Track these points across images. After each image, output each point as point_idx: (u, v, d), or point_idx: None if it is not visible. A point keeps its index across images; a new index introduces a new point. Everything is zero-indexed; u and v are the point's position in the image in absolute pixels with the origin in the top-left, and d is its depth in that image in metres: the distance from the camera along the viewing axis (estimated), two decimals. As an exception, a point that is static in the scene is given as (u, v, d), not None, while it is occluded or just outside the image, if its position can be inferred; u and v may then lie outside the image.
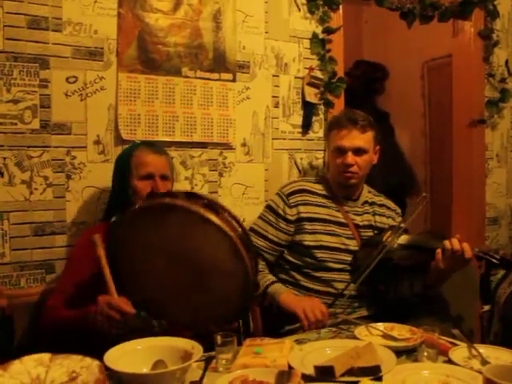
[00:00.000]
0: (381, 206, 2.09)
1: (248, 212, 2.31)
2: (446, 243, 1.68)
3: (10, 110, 1.86)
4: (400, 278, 1.93)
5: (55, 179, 1.94)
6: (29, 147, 1.89)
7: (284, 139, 2.42)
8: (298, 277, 1.95)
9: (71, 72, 1.95)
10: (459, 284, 1.86)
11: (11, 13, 1.84)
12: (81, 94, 1.97)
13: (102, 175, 1.98)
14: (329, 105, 2.47)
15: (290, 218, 1.96)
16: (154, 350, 1.25)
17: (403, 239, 1.83)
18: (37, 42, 1.89)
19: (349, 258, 1.94)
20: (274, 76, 2.38)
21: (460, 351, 1.35)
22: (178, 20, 2.13)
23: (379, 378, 1.17)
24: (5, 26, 1.83)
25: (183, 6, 2.14)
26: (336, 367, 1.18)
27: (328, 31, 2.45)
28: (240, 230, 1.41)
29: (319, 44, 2.45)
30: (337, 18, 2.48)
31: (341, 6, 2.48)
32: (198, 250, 1.38)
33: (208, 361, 1.29)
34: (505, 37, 3.04)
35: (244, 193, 2.33)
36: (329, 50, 2.45)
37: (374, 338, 1.45)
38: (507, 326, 1.83)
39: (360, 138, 1.92)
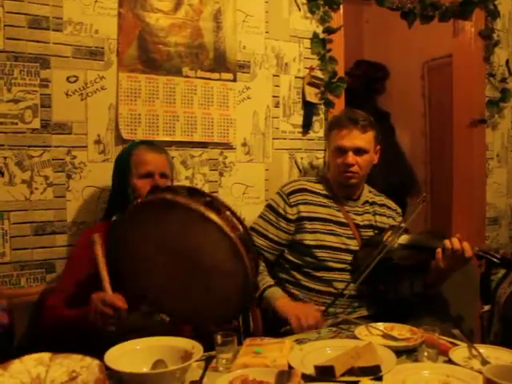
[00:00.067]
0: (381, 205, 2.09)
1: (248, 212, 2.30)
2: (446, 242, 1.68)
3: (11, 110, 1.86)
4: (400, 278, 1.93)
5: (56, 179, 1.94)
6: (29, 147, 1.90)
7: (284, 139, 2.42)
8: (299, 276, 1.95)
9: (72, 72, 1.95)
10: (459, 284, 1.86)
11: (12, 12, 1.84)
12: (81, 94, 1.97)
13: (102, 175, 1.98)
14: (329, 105, 2.47)
15: (291, 217, 1.96)
16: (154, 349, 1.25)
17: (403, 239, 1.83)
18: (37, 41, 1.89)
19: (349, 257, 1.94)
20: (274, 76, 2.38)
21: (460, 351, 1.35)
22: (178, 20, 2.13)
23: (379, 378, 1.17)
24: (5, 25, 1.83)
25: (184, 6, 2.14)
26: (336, 367, 1.18)
27: (328, 31, 2.45)
28: (241, 229, 1.40)
29: (320, 44, 2.44)
30: (337, 18, 2.48)
31: (341, 6, 2.47)
32: (198, 249, 1.38)
33: (208, 360, 1.29)
34: (505, 36, 3.04)
35: (244, 192, 2.33)
36: (329, 50, 2.45)
37: (374, 338, 1.45)
38: (507, 325, 1.83)
39: (361, 138, 1.92)
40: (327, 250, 1.93)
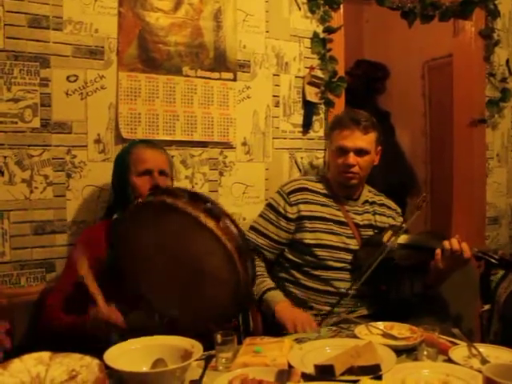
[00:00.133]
0: (381, 205, 2.09)
1: (248, 211, 2.31)
2: (445, 243, 1.68)
3: (11, 109, 1.86)
4: (400, 278, 1.93)
5: (55, 178, 1.94)
6: (29, 146, 1.89)
7: (284, 138, 2.42)
8: (298, 275, 1.95)
9: (72, 71, 1.95)
10: (459, 283, 1.86)
11: (12, 12, 1.84)
12: (81, 93, 1.97)
13: (102, 174, 1.98)
14: (329, 104, 2.47)
15: (291, 216, 1.96)
16: (153, 348, 1.25)
17: (403, 239, 1.83)
18: (37, 40, 1.89)
19: (349, 256, 1.94)
20: (274, 75, 2.38)
21: (460, 350, 1.35)
22: (178, 19, 2.13)
23: (379, 377, 1.17)
24: (5, 24, 1.83)
25: (184, 5, 2.14)
26: (336, 366, 1.17)
27: (329, 30, 2.45)
28: (239, 239, 1.39)
29: (320, 43, 2.44)
30: (337, 18, 2.48)
31: (341, 6, 2.47)
32: (194, 254, 1.38)
33: (208, 360, 1.29)
34: (505, 36, 3.04)
35: (244, 192, 2.33)
36: (329, 50, 2.45)
37: (374, 337, 1.45)
38: (507, 325, 1.83)
39: (362, 139, 1.92)
40: (327, 249, 1.93)
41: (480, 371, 1.10)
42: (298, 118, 2.45)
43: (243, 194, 2.32)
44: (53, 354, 1.07)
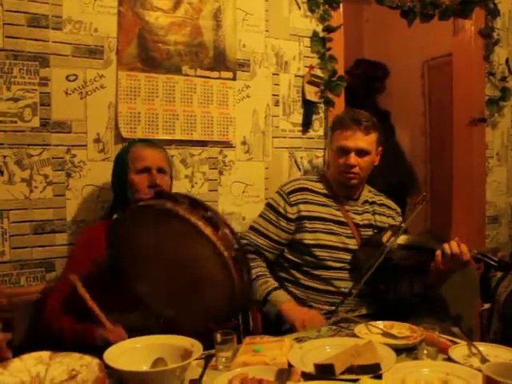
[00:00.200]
0: (381, 205, 2.09)
1: (248, 210, 2.31)
2: (446, 247, 1.68)
3: (10, 108, 1.86)
4: (400, 278, 1.93)
5: (55, 177, 1.94)
6: (29, 145, 1.89)
7: (284, 137, 2.42)
8: (298, 275, 1.95)
9: (71, 70, 1.95)
10: (459, 283, 1.86)
11: (11, 11, 1.84)
12: (81, 92, 1.97)
13: (101, 173, 1.98)
14: (329, 103, 2.47)
15: (291, 216, 1.95)
16: (153, 348, 1.25)
17: (403, 239, 1.83)
18: (37, 40, 1.89)
19: (348, 256, 1.94)
20: (274, 74, 2.38)
21: (460, 349, 1.35)
22: (178, 18, 2.13)
23: (379, 376, 1.17)
24: (5, 24, 1.83)
25: (183, 5, 2.13)
26: (336, 365, 1.17)
27: (328, 29, 2.45)
28: (237, 248, 1.39)
29: (319, 42, 2.44)
30: (337, 17, 2.48)
31: (341, 5, 2.47)
32: (192, 260, 1.38)
33: (208, 359, 1.29)
34: (505, 35, 3.04)
35: (244, 191, 2.33)
36: (329, 49, 2.45)
37: (374, 336, 1.45)
38: (507, 324, 1.83)
39: (364, 140, 1.92)
40: (326, 249, 1.92)
41: (480, 370, 1.10)
42: (298, 117, 2.45)
43: (243, 193, 2.32)
44: (53, 353, 1.07)
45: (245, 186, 2.33)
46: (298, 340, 1.47)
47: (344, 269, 1.92)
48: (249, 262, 1.48)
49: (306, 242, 1.93)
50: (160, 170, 1.75)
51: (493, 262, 1.67)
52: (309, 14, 2.44)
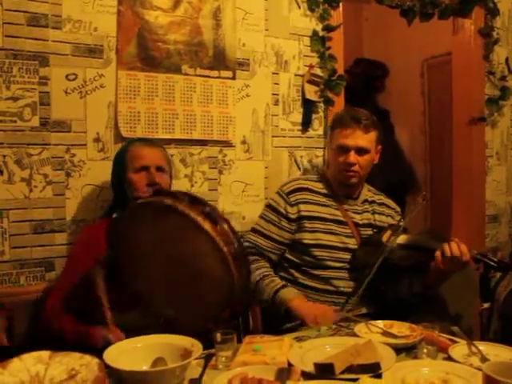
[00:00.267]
0: (380, 204, 2.09)
1: (248, 209, 2.31)
2: (446, 248, 1.67)
3: (10, 108, 1.85)
4: (399, 278, 1.92)
5: (55, 177, 1.94)
6: (28, 145, 1.89)
7: (284, 137, 2.42)
8: (297, 274, 1.95)
9: (71, 69, 1.95)
10: (459, 282, 1.86)
11: (11, 10, 1.84)
12: (80, 92, 1.97)
13: (101, 173, 1.98)
14: (329, 102, 2.47)
15: (292, 216, 1.95)
16: (153, 347, 1.25)
17: (402, 239, 1.83)
18: (36, 39, 1.88)
19: (348, 256, 1.94)
20: (273, 74, 2.38)
21: (460, 348, 1.35)
22: (177, 17, 2.12)
23: (379, 376, 1.17)
24: (4, 23, 1.83)
25: (183, 4, 2.13)
26: (336, 364, 1.17)
27: (328, 29, 2.45)
28: (236, 244, 1.39)
29: (319, 41, 2.44)
30: (337, 16, 2.47)
31: (341, 4, 2.47)
32: (191, 255, 1.38)
33: (208, 358, 1.29)
34: (505, 35, 3.04)
35: (244, 190, 2.32)
36: (329, 48, 2.45)
37: (374, 336, 1.45)
38: (506, 323, 1.83)
39: (363, 138, 1.92)
40: (326, 248, 1.92)
41: (480, 369, 1.10)
42: (298, 117, 2.45)
43: (243, 193, 2.32)
44: (52, 353, 1.07)
45: (244, 185, 2.33)
46: (298, 339, 1.47)
47: (344, 268, 1.92)
48: (248, 259, 1.47)
49: (306, 241, 1.93)
50: (159, 169, 1.75)
51: (492, 263, 1.67)
52: (308, 13, 2.44)
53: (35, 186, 1.91)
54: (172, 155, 2.10)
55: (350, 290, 1.89)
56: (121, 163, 1.77)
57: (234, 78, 2.27)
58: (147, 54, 2.07)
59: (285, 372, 1.17)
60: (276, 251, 1.97)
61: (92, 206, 2.00)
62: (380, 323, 1.53)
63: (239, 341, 1.40)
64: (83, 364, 1.05)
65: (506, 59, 3.05)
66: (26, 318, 1.74)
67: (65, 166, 1.96)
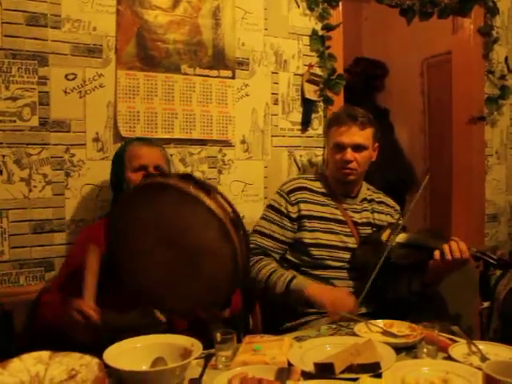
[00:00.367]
0: (379, 203, 2.09)
1: (247, 209, 2.30)
2: (445, 249, 1.67)
3: (9, 108, 1.85)
4: (398, 277, 1.92)
5: (54, 177, 1.94)
6: (28, 145, 1.89)
7: (283, 136, 2.42)
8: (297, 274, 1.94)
9: (70, 69, 1.95)
10: (458, 281, 1.86)
11: (9, 10, 1.84)
12: (80, 92, 1.96)
13: (101, 172, 1.98)
14: (328, 102, 2.47)
15: (293, 215, 1.95)
16: (153, 347, 1.25)
17: (402, 238, 1.83)
18: (35, 38, 1.88)
19: (347, 255, 1.93)
20: (273, 73, 2.38)
21: (459, 348, 1.35)
22: (177, 17, 2.12)
23: (379, 375, 1.17)
24: (3, 22, 1.83)
25: (182, 3, 2.13)
26: (336, 364, 1.17)
27: (327, 28, 2.45)
28: (231, 211, 1.40)
29: (319, 41, 2.44)
30: (336, 15, 2.47)
31: (340, 3, 2.47)
32: (188, 229, 1.37)
33: (207, 358, 1.29)
34: (504, 34, 3.04)
35: (243, 190, 2.32)
36: (328, 47, 2.45)
37: (374, 335, 1.45)
38: (506, 322, 1.83)
39: (359, 135, 1.92)
40: (326, 248, 1.92)
41: (480, 368, 1.10)
42: (297, 116, 2.45)
43: (242, 192, 2.32)
44: (52, 353, 1.07)
45: (244, 184, 2.32)
46: (298, 339, 1.47)
47: (343, 268, 1.92)
48: (243, 224, 1.46)
49: (306, 241, 1.93)
50: (157, 168, 1.74)
51: (492, 260, 1.67)
52: (308, 12, 2.43)
53: (34, 185, 1.91)
54: (171, 155, 2.09)
55: (350, 289, 1.88)
56: (119, 163, 1.78)
57: (233, 77, 2.26)
58: (146, 54, 2.07)
59: (285, 372, 1.17)
60: (280, 251, 1.96)
61: (91, 206, 2.00)
62: (380, 323, 1.53)
63: (239, 340, 1.40)
64: (83, 364, 1.05)
65: (506, 58, 3.04)
66: (26, 318, 1.74)
67: (64, 165, 1.95)
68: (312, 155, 2.48)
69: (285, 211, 1.96)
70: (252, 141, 2.33)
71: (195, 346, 1.22)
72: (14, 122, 1.86)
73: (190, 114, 2.17)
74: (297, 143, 2.45)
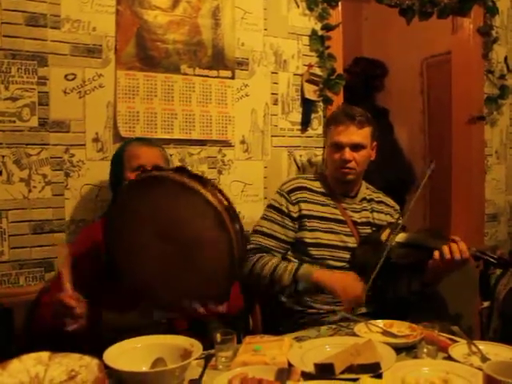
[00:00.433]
0: (379, 202, 2.09)
1: (247, 209, 2.30)
2: (445, 250, 1.67)
3: (9, 108, 1.85)
4: (398, 276, 1.92)
5: (54, 177, 1.94)
6: (27, 145, 1.89)
7: (283, 136, 2.42)
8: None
9: (70, 69, 1.94)
10: (458, 281, 1.86)
11: (9, 10, 1.83)
12: (79, 92, 1.96)
13: (100, 173, 1.98)
14: (328, 102, 2.46)
15: (294, 214, 1.95)
16: (153, 348, 1.25)
17: (401, 237, 1.83)
18: (35, 39, 1.88)
19: (347, 255, 1.94)
20: (272, 73, 2.38)
21: (460, 348, 1.35)
22: (176, 17, 2.12)
23: (379, 375, 1.17)
24: (2, 23, 1.82)
25: (182, 3, 2.13)
26: (336, 364, 1.17)
27: (327, 28, 2.44)
28: (225, 201, 1.40)
29: (318, 41, 2.44)
30: (336, 15, 2.47)
31: (340, 3, 2.47)
32: (184, 222, 1.37)
33: (207, 359, 1.29)
34: (504, 33, 3.04)
35: (243, 190, 2.32)
36: (328, 47, 2.45)
37: (374, 335, 1.46)
38: (506, 322, 1.83)
39: (357, 134, 1.92)
40: (326, 247, 1.92)
41: (480, 369, 1.10)
42: (297, 116, 2.44)
43: (242, 193, 2.32)
44: (52, 353, 1.07)
45: (244, 185, 2.32)
46: (298, 339, 1.47)
47: (344, 268, 1.92)
48: (239, 217, 1.45)
49: (306, 240, 1.93)
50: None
51: (492, 260, 1.68)
52: (307, 12, 2.43)
53: (34, 186, 1.90)
54: (171, 155, 2.09)
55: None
56: (118, 163, 1.78)
57: (232, 77, 2.26)
58: (146, 54, 2.07)
59: (285, 372, 1.17)
60: (281, 250, 1.96)
61: (91, 206, 2.00)
62: (380, 323, 1.53)
63: (239, 341, 1.40)
64: (83, 365, 1.04)
65: (505, 58, 3.04)
66: (26, 319, 1.74)
67: (64, 166, 1.95)
68: (312, 155, 2.48)
69: (286, 211, 1.96)
70: (252, 141, 2.33)
71: (195, 346, 1.22)
72: (14, 122, 1.86)
73: (189, 115, 2.17)
74: (296, 143, 2.45)
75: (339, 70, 2.49)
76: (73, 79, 1.95)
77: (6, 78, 1.84)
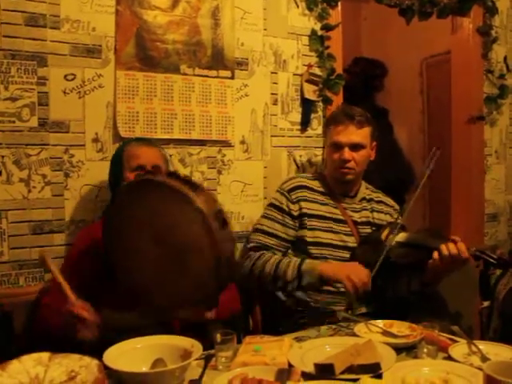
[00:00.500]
0: (378, 202, 2.09)
1: (247, 209, 2.30)
2: (443, 249, 1.67)
3: (8, 108, 1.85)
4: (398, 276, 1.92)
5: (53, 177, 1.94)
6: (27, 145, 1.89)
7: (283, 136, 2.42)
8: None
9: (69, 69, 1.94)
10: (458, 281, 1.86)
11: (8, 10, 1.83)
12: (79, 92, 1.96)
13: (100, 173, 1.98)
14: (327, 102, 2.46)
15: (294, 213, 1.95)
16: (153, 348, 1.25)
17: (401, 237, 1.83)
18: (34, 39, 1.88)
19: (347, 255, 1.94)
20: (272, 73, 2.38)
21: (460, 348, 1.35)
22: (176, 17, 2.12)
23: (379, 376, 1.17)
24: (2, 23, 1.82)
25: (181, 3, 2.13)
26: (336, 365, 1.17)
27: (327, 28, 2.44)
28: (216, 207, 1.40)
29: (318, 41, 2.44)
30: (335, 15, 2.47)
31: (339, 3, 2.47)
32: (175, 226, 1.38)
33: (207, 359, 1.29)
34: (503, 33, 3.04)
35: (243, 190, 2.32)
36: (327, 47, 2.45)
37: (374, 335, 1.45)
38: (506, 321, 1.84)
39: (357, 134, 1.92)
40: (326, 247, 1.92)
41: (480, 369, 1.10)
42: (296, 116, 2.44)
43: (242, 193, 2.32)
44: (52, 354, 1.07)
45: (244, 185, 2.32)
46: (298, 339, 1.47)
47: (343, 267, 1.92)
48: (228, 222, 1.45)
49: (306, 239, 1.93)
50: (154, 168, 1.74)
51: (492, 260, 1.68)
52: (307, 12, 2.43)
53: (34, 186, 1.90)
54: (171, 155, 2.09)
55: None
56: (118, 163, 1.78)
57: (232, 77, 2.26)
58: (146, 54, 2.07)
59: (285, 372, 1.17)
60: (282, 249, 1.96)
61: (91, 207, 2.00)
62: (380, 323, 1.53)
63: (239, 341, 1.40)
64: (83, 365, 1.05)
65: (505, 58, 3.04)
66: (25, 319, 1.74)
67: (63, 166, 1.95)
68: (311, 155, 2.48)
69: (286, 209, 1.96)
70: (251, 141, 2.33)
71: (195, 346, 1.22)
72: (14, 122, 1.86)
73: (189, 115, 2.17)
74: (296, 143, 2.45)
75: (339, 69, 2.49)
76: (72, 79, 1.95)
77: (6, 79, 1.84)
